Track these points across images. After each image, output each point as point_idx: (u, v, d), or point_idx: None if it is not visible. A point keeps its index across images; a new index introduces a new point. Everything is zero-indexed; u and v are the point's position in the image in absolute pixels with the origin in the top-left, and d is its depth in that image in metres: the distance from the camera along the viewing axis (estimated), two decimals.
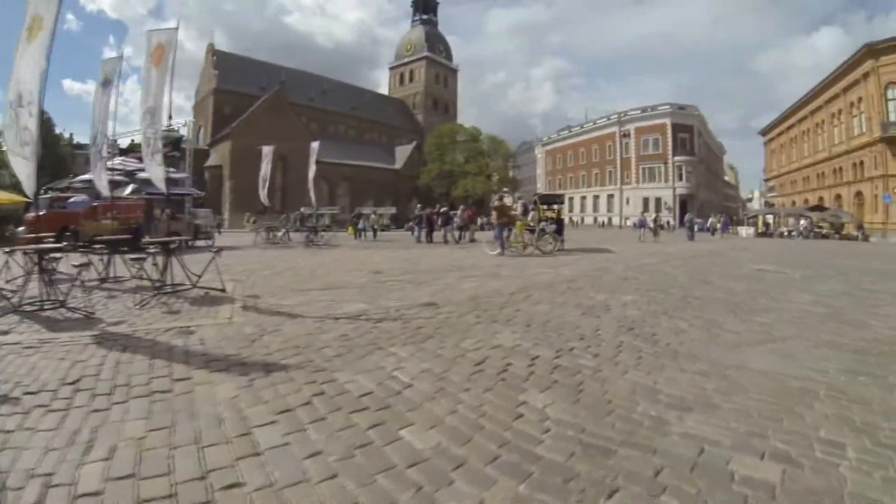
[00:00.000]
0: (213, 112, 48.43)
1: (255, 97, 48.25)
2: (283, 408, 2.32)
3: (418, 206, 20.44)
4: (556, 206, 15.01)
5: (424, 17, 77.34)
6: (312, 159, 16.38)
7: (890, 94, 31.13)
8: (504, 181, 57.68)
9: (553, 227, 13.50)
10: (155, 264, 5.96)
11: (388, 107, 70.85)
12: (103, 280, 6.83)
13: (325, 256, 11.66)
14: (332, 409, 2.32)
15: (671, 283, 7.10)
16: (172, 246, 6.18)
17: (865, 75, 33.11)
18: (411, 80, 74.38)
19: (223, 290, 5.87)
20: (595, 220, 62.17)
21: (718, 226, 25.91)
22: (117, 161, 18.07)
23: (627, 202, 57.48)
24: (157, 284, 5.66)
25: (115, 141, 26.08)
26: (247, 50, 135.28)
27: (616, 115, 60.42)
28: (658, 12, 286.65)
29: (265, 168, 18.19)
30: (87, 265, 5.91)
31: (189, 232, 15.62)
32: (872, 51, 32.02)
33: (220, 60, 50.81)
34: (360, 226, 18.43)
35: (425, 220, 16.83)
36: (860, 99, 34.30)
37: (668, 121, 55.01)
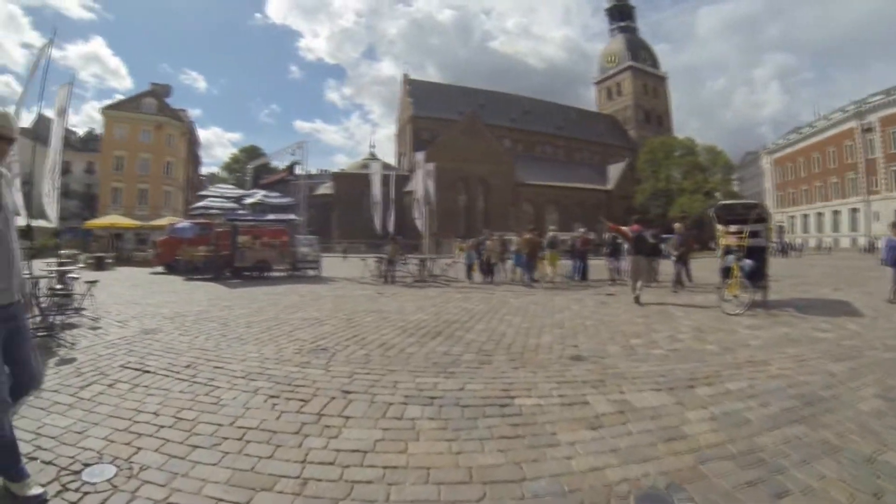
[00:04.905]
0: (413, 139, 50.92)
1: (454, 122, 48.64)
2: None
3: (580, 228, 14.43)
4: (747, 228, 7.30)
5: (622, 24, 69.58)
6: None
7: None
8: (728, 197, 44.28)
9: (748, 263, 7.01)
10: None
11: (597, 123, 64.48)
12: None
13: (376, 305, 7.13)
14: None
15: None
16: None
17: None
18: (619, 93, 66.78)
19: None
20: (835, 242, 43.91)
21: None
22: (213, 189, 19.36)
23: (877, 218, 38.80)
24: None
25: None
26: (458, 79, 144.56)
27: (853, 106, 42.95)
28: None
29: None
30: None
31: (281, 261, 13.91)
32: None
33: (415, 89, 53.71)
34: (467, 260, 13.19)
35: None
36: None
37: None
